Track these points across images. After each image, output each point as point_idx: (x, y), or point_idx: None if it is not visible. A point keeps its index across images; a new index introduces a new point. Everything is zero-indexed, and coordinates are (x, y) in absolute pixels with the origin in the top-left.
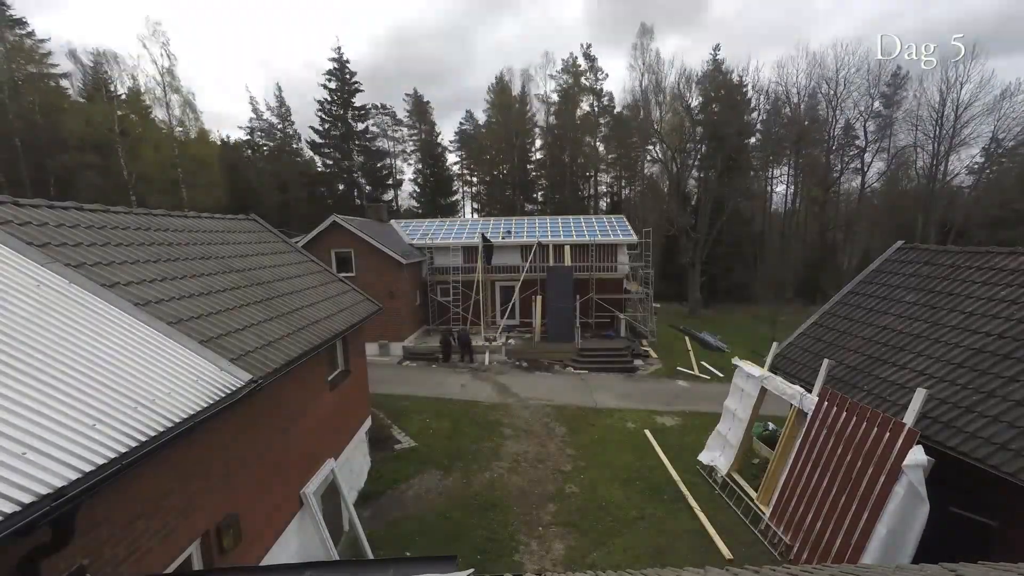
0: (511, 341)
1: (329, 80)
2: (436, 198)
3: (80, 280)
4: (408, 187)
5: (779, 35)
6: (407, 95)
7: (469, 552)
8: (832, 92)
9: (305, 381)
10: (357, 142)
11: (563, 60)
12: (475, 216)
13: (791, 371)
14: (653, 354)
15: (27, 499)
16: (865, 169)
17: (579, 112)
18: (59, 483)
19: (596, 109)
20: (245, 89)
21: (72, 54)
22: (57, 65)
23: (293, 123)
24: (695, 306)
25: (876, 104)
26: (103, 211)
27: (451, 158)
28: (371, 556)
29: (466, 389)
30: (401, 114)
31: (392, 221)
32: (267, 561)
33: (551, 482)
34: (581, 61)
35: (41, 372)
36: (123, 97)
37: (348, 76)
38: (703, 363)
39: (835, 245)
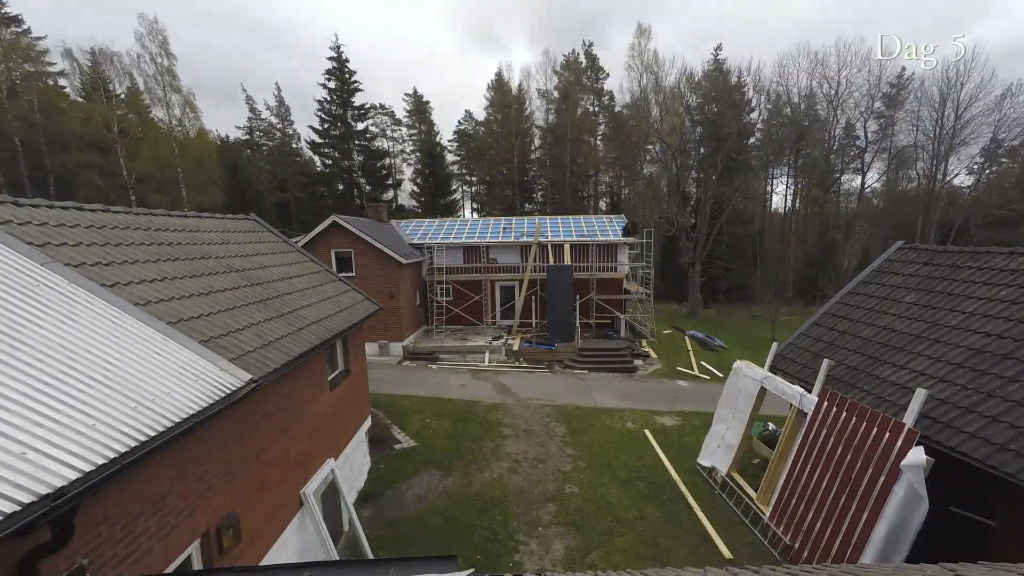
0: (511, 341)
1: (328, 80)
2: (435, 198)
3: (80, 280)
4: (408, 187)
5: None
6: (407, 94)
7: (469, 552)
8: (833, 92)
9: (305, 381)
10: (357, 142)
11: (564, 55)
12: (474, 216)
13: (791, 371)
14: (653, 354)
15: (27, 499)
16: (865, 169)
17: (579, 111)
18: (59, 483)
19: (596, 108)
20: (242, 89)
21: (69, 53)
22: (55, 64)
23: (292, 123)
24: (695, 306)
25: (877, 104)
26: (103, 211)
27: (450, 158)
28: (371, 556)
29: (466, 389)
30: (400, 114)
31: (392, 221)
32: (267, 561)
33: (551, 482)
34: (583, 59)
35: (41, 372)
36: (122, 96)
37: (347, 75)
38: (703, 363)
39: (835, 245)
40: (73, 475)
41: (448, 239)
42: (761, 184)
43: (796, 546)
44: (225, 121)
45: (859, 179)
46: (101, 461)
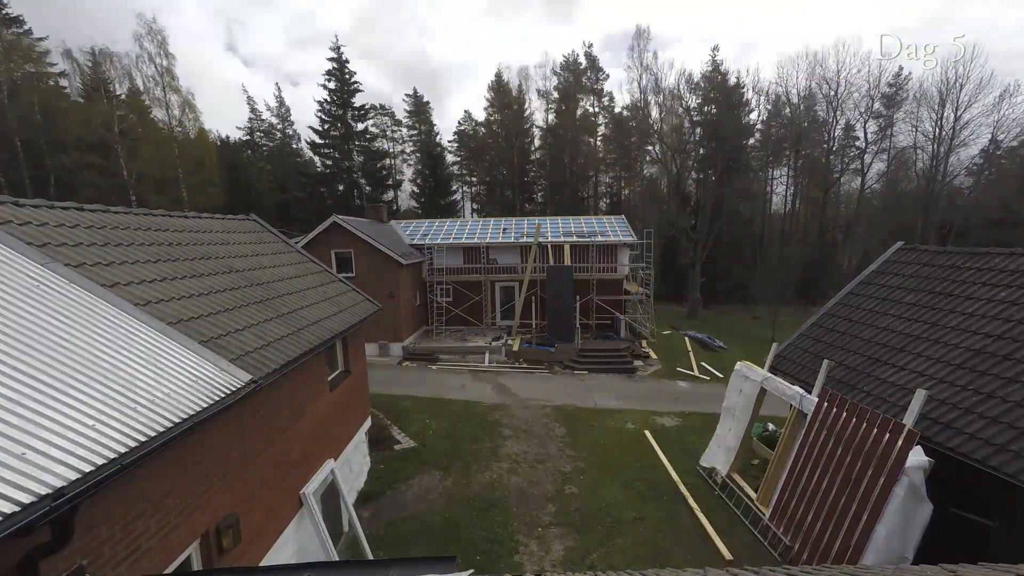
0: (511, 342)
1: (328, 80)
2: (435, 198)
3: (80, 280)
4: (408, 187)
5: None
6: (407, 95)
7: (469, 552)
8: (832, 93)
9: (305, 381)
10: (357, 142)
11: (564, 56)
12: (474, 216)
13: (791, 372)
14: (653, 355)
15: (26, 499)
16: (865, 170)
17: (579, 112)
18: (58, 483)
19: (596, 109)
20: (243, 90)
21: (68, 53)
22: (55, 64)
23: (293, 123)
24: (695, 307)
25: (876, 105)
26: (103, 211)
27: (450, 158)
28: (371, 556)
29: (466, 389)
30: (400, 114)
31: (392, 221)
32: (267, 561)
33: (551, 482)
34: (582, 60)
35: (41, 372)
36: (122, 97)
37: (347, 76)
38: (703, 364)
39: (835, 246)
40: (73, 475)
41: (448, 240)
42: (761, 185)
43: (796, 547)
44: (226, 121)
45: (859, 180)
46: (101, 461)
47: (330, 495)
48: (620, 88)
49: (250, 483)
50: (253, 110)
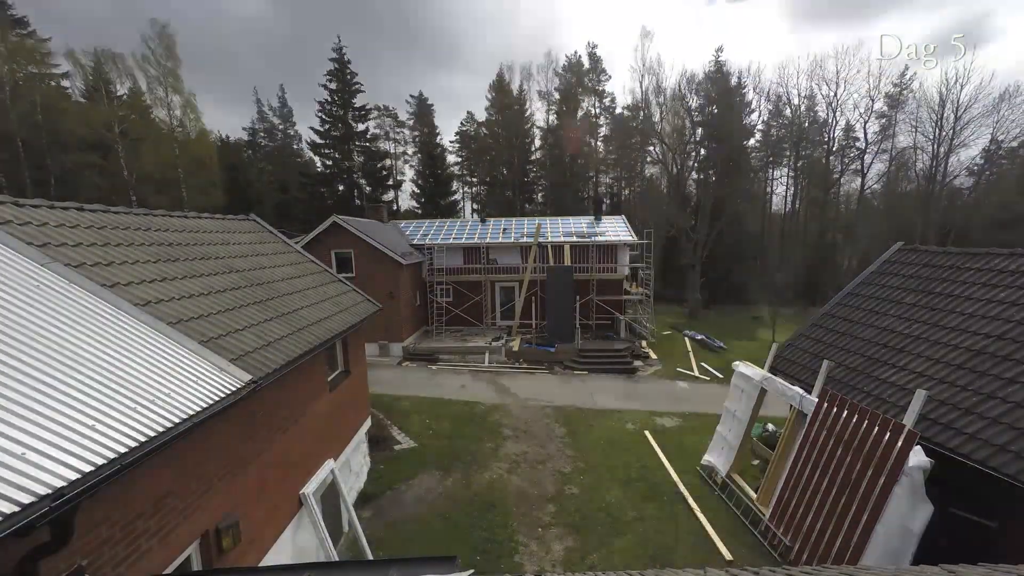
0: (511, 342)
1: (330, 81)
2: (436, 199)
3: (80, 280)
4: (408, 188)
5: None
6: (411, 96)
7: (469, 553)
8: (832, 94)
9: (305, 382)
10: (357, 143)
11: (567, 56)
12: (475, 217)
13: (791, 372)
14: (653, 355)
15: (26, 499)
16: (865, 170)
17: (580, 112)
18: (58, 483)
19: (598, 110)
20: (253, 92)
21: (72, 54)
22: (58, 65)
23: (295, 124)
24: (695, 307)
25: (878, 105)
26: (103, 211)
27: (451, 159)
28: (371, 557)
29: (466, 390)
30: (403, 115)
31: (392, 222)
32: (266, 562)
33: (551, 483)
34: (585, 60)
35: (41, 372)
36: (124, 97)
37: (349, 77)
38: (703, 364)
39: (835, 246)
40: (73, 476)
41: (448, 240)
42: (761, 185)
43: (796, 547)
44: (226, 121)
45: (859, 180)
46: (101, 462)
47: (330, 495)
48: (622, 89)
49: (250, 483)
50: (260, 111)
